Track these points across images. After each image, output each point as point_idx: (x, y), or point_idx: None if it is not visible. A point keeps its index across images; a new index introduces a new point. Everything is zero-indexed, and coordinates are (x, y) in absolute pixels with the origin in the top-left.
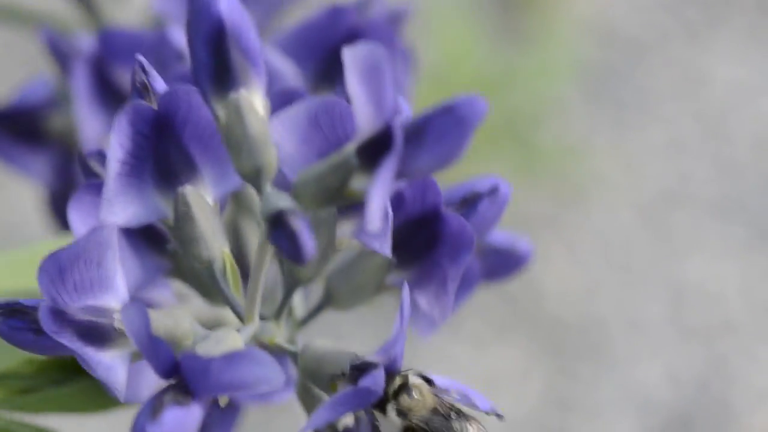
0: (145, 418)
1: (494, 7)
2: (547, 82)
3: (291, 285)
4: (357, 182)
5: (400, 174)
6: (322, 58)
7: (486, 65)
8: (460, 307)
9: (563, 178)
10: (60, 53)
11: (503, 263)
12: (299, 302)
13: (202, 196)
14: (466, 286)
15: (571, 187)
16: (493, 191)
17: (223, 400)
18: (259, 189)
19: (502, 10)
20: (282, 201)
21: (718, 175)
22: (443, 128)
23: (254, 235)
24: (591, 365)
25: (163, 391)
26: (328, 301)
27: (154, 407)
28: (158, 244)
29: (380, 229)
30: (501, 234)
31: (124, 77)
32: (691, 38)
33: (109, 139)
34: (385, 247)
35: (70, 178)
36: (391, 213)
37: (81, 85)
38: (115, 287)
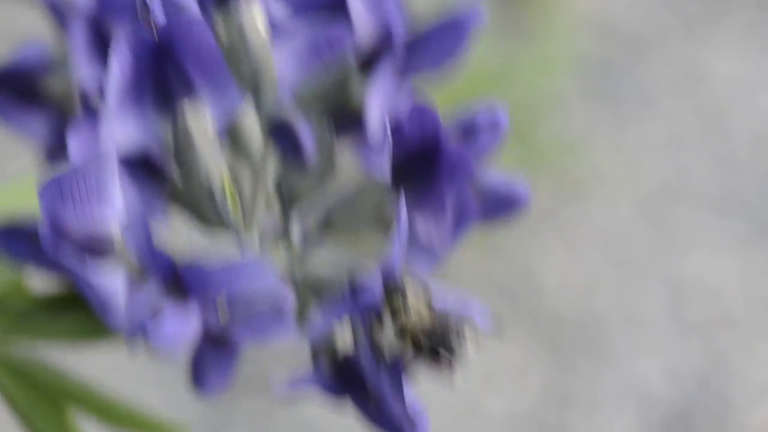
0: (143, 317)
1: (493, 2)
2: (546, 78)
3: (289, 205)
4: (357, 91)
5: (400, 73)
6: None
7: (485, 60)
8: (457, 243)
9: (562, 174)
10: (58, 12)
11: (500, 204)
12: (297, 232)
13: (202, 118)
14: (464, 222)
15: (571, 182)
16: (493, 121)
17: (222, 316)
18: (259, 100)
19: (502, 5)
20: (282, 106)
21: (718, 170)
22: (440, 32)
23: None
24: (590, 360)
25: (162, 296)
26: (327, 230)
27: (152, 309)
28: (157, 171)
29: (379, 136)
30: (498, 175)
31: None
32: (691, 34)
33: (109, 63)
34: (384, 172)
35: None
36: (389, 130)
37: (79, 42)
38: (114, 211)
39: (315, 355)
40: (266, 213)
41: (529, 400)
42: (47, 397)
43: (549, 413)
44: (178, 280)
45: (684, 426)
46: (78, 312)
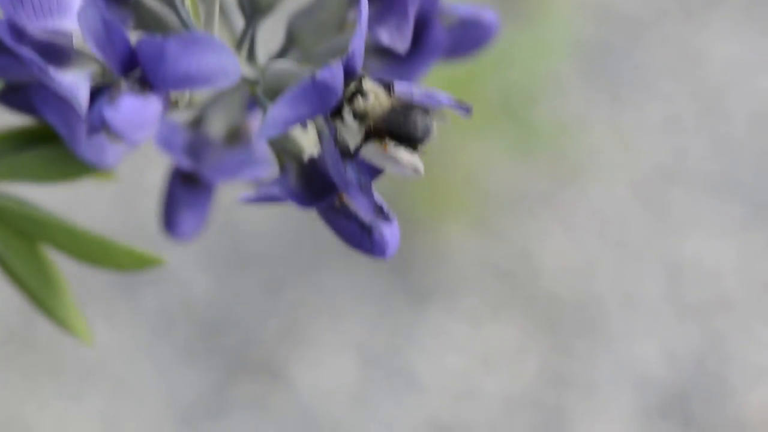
0: (102, 104)
1: None
2: (543, 60)
3: (251, 14)
4: None
5: None
6: None
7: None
8: (424, 74)
9: (559, 156)
10: None
11: (469, 34)
12: (261, 49)
13: None
14: (431, 51)
15: (568, 164)
16: None
17: (181, 100)
18: None
19: None
20: None
21: (715, 152)
22: None
23: None
24: (587, 342)
25: (121, 82)
26: (290, 43)
27: (111, 94)
28: None
29: None
30: (466, 6)
31: None
32: (688, 16)
33: None
34: None
35: None
36: None
37: None
38: (73, 10)
39: (281, 161)
40: (226, 23)
41: (526, 382)
42: (19, 233)
43: (546, 395)
44: (136, 66)
45: (681, 408)
46: (46, 146)
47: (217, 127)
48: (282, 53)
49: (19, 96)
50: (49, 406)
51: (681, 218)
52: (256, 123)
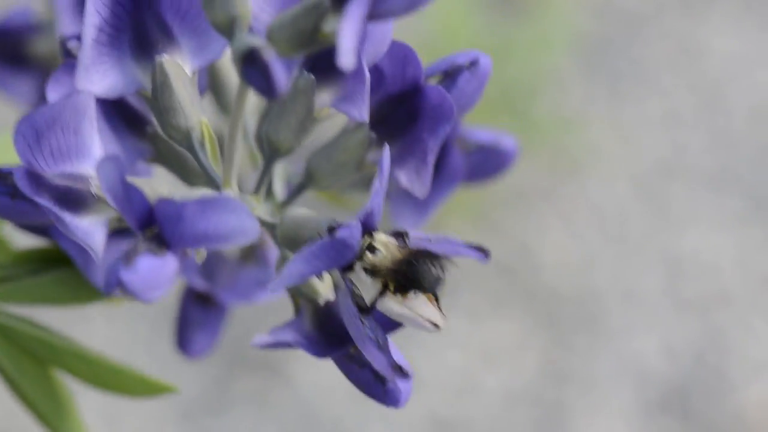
0: (119, 266)
1: None
2: (543, 54)
3: (270, 156)
4: (329, 24)
5: (371, 15)
6: None
7: (482, 37)
8: (442, 203)
9: (559, 150)
10: None
11: (487, 160)
12: (279, 184)
13: (180, 66)
14: (450, 179)
15: (567, 159)
16: (474, 64)
17: (199, 256)
18: (232, 39)
19: None
20: (253, 39)
21: (714, 146)
22: None
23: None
24: (587, 337)
25: (138, 242)
26: (309, 181)
27: (128, 256)
28: (138, 127)
29: (353, 64)
30: (485, 131)
31: None
32: (687, 10)
33: (85, 6)
34: (363, 113)
35: None
36: (368, 76)
37: None
38: (92, 155)
39: (296, 304)
40: (247, 167)
41: (526, 377)
42: (32, 357)
43: (546, 390)
44: (153, 223)
45: (681, 402)
46: (60, 269)
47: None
48: (300, 189)
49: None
50: None
51: (680, 213)
52: (271, 241)
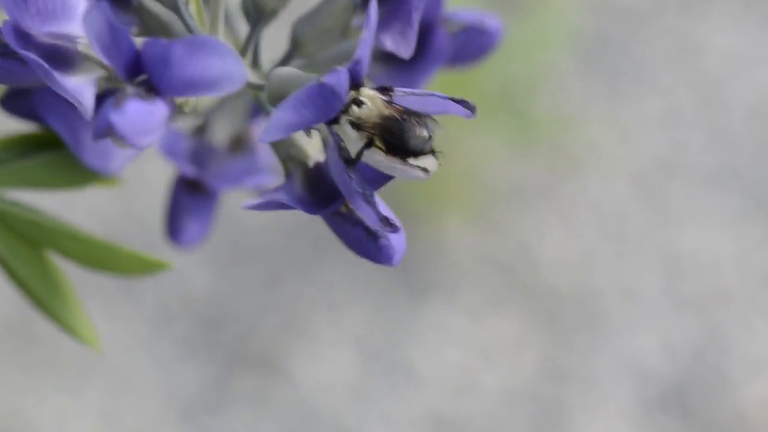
0: (107, 109)
1: None
2: (541, 52)
3: (255, 19)
4: None
5: None
6: None
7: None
8: (426, 82)
9: (558, 149)
10: None
11: (472, 41)
12: (265, 55)
13: None
14: (435, 58)
15: (566, 157)
16: None
17: (187, 105)
18: None
19: None
20: None
21: (714, 144)
22: None
23: None
24: (586, 335)
25: (127, 87)
26: (295, 48)
27: (117, 99)
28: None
29: None
30: (470, 12)
31: None
32: (686, 8)
33: None
34: None
35: None
36: None
37: None
38: (78, 15)
39: (286, 167)
40: (232, 42)
41: (525, 375)
42: (24, 239)
43: (545, 389)
44: (141, 71)
45: (680, 400)
46: (51, 152)
47: (220, 134)
48: (286, 59)
49: (22, 102)
50: (48, 400)
51: (679, 211)
52: (259, 131)
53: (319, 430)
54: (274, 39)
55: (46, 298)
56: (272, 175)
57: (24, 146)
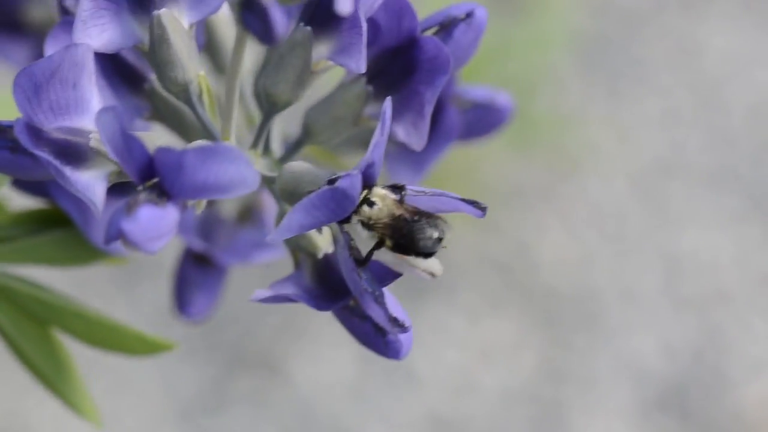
0: (119, 216)
1: None
2: (541, 53)
3: (268, 110)
4: None
5: None
6: None
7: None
8: (438, 161)
9: (557, 149)
10: None
11: (483, 118)
12: (277, 141)
13: (178, 19)
14: (446, 136)
15: (566, 158)
16: (470, 15)
17: (200, 206)
18: None
19: None
20: None
21: (713, 145)
22: None
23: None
24: (585, 336)
25: (139, 194)
26: (306, 136)
27: (129, 206)
28: (136, 84)
29: (350, 11)
30: (480, 89)
31: None
32: (686, 8)
33: None
34: (360, 65)
35: None
36: (365, 26)
37: None
38: (91, 109)
39: (296, 258)
40: (245, 128)
41: (524, 375)
42: (30, 316)
43: (544, 389)
44: (153, 174)
45: (679, 401)
46: (60, 229)
47: (229, 206)
48: (298, 145)
49: (33, 181)
50: (47, 401)
51: (678, 211)
52: (268, 202)
53: (319, 430)
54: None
55: (49, 374)
56: (281, 249)
57: (33, 223)
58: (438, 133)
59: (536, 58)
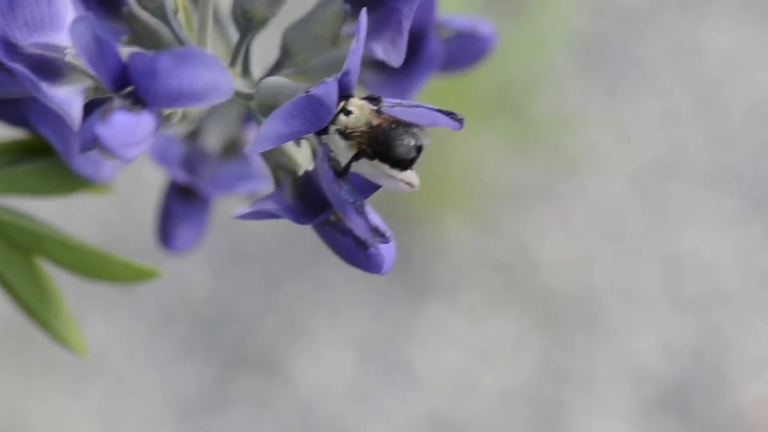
0: (94, 121)
1: None
2: (540, 53)
3: (245, 28)
4: None
5: None
6: None
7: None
8: (419, 89)
9: (557, 149)
10: None
11: (465, 47)
12: (256, 64)
13: None
14: (427, 64)
15: (565, 157)
16: None
17: (174, 116)
18: None
19: None
20: None
21: (713, 145)
22: None
23: None
24: (585, 336)
25: (114, 99)
26: (285, 57)
27: (103, 112)
28: (114, 7)
29: None
30: (462, 18)
31: None
32: (686, 9)
33: None
34: None
35: None
36: None
37: None
38: (66, 25)
39: (276, 176)
40: (222, 51)
41: (524, 375)
42: (14, 245)
43: (544, 389)
44: (128, 83)
45: (680, 401)
46: (41, 159)
47: (213, 140)
48: (276, 67)
49: (12, 109)
50: (47, 402)
51: (678, 211)
52: (252, 136)
53: (319, 430)
54: (267, 43)
55: (35, 304)
56: (265, 181)
57: (14, 153)
58: (419, 61)
59: (536, 58)
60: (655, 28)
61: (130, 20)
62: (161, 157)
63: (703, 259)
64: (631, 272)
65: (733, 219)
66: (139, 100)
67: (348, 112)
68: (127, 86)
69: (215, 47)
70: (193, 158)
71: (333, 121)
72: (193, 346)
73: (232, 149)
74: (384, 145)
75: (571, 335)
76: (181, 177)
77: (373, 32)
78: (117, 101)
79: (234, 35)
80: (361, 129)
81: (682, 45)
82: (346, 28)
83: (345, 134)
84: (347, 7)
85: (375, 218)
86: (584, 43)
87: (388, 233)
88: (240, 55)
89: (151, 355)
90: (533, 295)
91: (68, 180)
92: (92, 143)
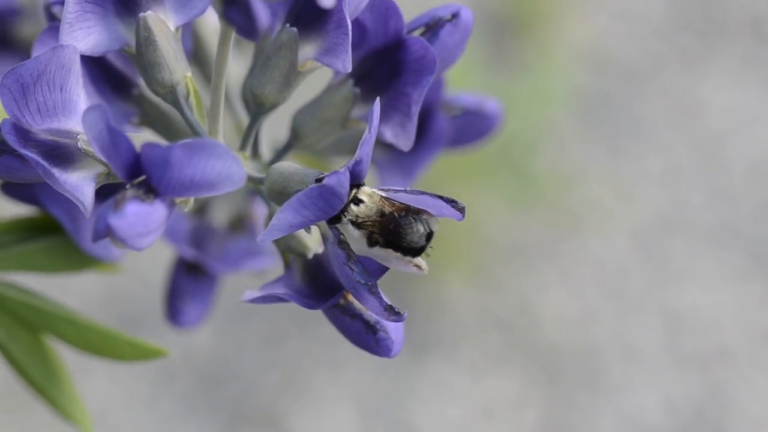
0: (107, 211)
1: (489, 34)
2: (542, 110)
3: (256, 111)
4: None
5: None
6: None
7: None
8: (427, 167)
9: (559, 206)
10: None
11: (472, 124)
12: (266, 145)
13: (164, 22)
14: (435, 142)
15: (567, 214)
16: (455, 16)
17: (186, 204)
18: None
19: (497, 36)
20: None
21: (714, 202)
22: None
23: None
24: (587, 393)
25: (126, 189)
26: (294, 139)
27: (116, 202)
28: (124, 90)
29: (334, 5)
30: (469, 95)
31: None
32: (686, 66)
33: None
34: (346, 64)
35: None
36: (350, 26)
37: None
38: (78, 111)
39: (285, 259)
40: (233, 134)
41: None
42: (22, 323)
43: None
44: (141, 172)
45: None
46: (50, 237)
47: (220, 216)
48: (286, 148)
49: (22, 187)
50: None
51: (680, 268)
52: (259, 211)
53: None
54: (276, 115)
55: (40, 380)
56: (273, 257)
57: (24, 230)
58: (427, 139)
59: (537, 114)
60: (656, 85)
61: (141, 102)
62: (168, 233)
63: (705, 316)
64: (632, 329)
65: (734, 276)
66: (151, 189)
67: (359, 201)
68: (140, 175)
69: (224, 125)
70: (200, 234)
71: (345, 211)
72: (195, 403)
73: (240, 225)
74: (395, 234)
75: (573, 392)
76: (189, 254)
77: (383, 115)
78: (130, 191)
79: (242, 112)
80: (372, 218)
81: (683, 102)
82: (356, 111)
83: (357, 224)
84: (357, 90)
85: (386, 298)
86: (585, 100)
87: (403, 311)
88: (250, 139)
89: (153, 413)
90: (535, 352)
91: (77, 258)
92: (105, 233)
